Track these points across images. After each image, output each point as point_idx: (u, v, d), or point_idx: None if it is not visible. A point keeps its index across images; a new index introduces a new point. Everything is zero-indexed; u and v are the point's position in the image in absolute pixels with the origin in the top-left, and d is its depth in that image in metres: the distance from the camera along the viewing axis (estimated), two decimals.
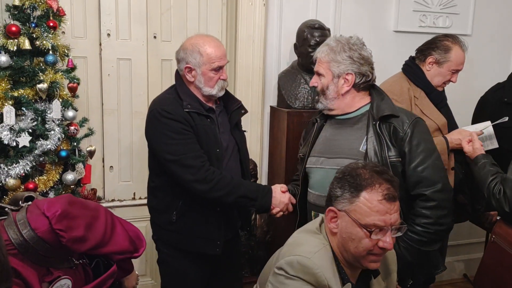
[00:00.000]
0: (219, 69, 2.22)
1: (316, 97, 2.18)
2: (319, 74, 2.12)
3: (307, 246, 1.53)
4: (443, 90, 2.75)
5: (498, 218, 2.47)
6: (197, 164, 2.13)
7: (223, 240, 2.29)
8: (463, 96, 3.53)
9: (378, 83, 2.78)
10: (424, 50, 2.67)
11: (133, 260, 1.73)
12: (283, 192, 2.24)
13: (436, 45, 2.64)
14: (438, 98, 2.68)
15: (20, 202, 1.41)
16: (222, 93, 2.28)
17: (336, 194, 1.54)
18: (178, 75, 2.31)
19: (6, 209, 1.41)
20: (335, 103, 2.10)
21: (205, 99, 2.28)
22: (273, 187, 2.26)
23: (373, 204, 1.47)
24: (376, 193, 1.47)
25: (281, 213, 2.24)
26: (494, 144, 2.74)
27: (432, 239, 1.96)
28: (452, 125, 2.73)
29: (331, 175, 1.73)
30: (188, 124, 2.17)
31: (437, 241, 1.99)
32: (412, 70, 2.69)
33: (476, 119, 3.01)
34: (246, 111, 2.43)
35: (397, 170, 1.97)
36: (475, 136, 2.49)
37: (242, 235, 2.74)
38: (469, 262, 3.85)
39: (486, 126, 2.68)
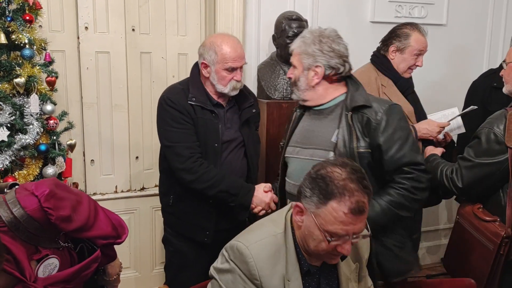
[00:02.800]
0: (232, 70, 2.29)
1: (291, 88, 2.22)
2: (294, 66, 2.16)
3: (253, 235, 1.60)
4: (411, 78, 2.83)
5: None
6: (186, 154, 2.25)
7: (213, 229, 2.39)
8: (435, 84, 3.62)
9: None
10: (386, 40, 2.78)
11: (117, 253, 1.76)
12: (266, 192, 2.33)
13: (395, 33, 2.73)
14: (405, 86, 2.77)
15: (6, 190, 1.43)
16: (234, 92, 2.35)
17: (305, 193, 1.52)
18: (195, 67, 2.41)
19: None
20: (307, 94, 2.12)
21: (216, 95, 2.36)
22: (256, 186, 2.36)
23: (338, 214, 1.45)
24: (344, 205, 1.45)
25: (263, 211, 2.33)
26: (462, 130, 2.85)
27: (402, 204, 1.98)
28: (419, 112, 2.81)
29: (306, 165, 1.79)
30: (189, 116, 2.28)
31: (406, 208, 2.00)
32: (379, 60, 2.79)
33: (467, 104, 3.11)
34: (257, 111, 2.52)
35: (363, 161, 1.99)
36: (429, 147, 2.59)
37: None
38: (445, 246, 3.95)
39: (453, 113, 2.77)
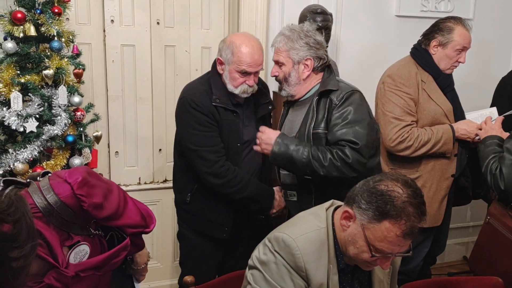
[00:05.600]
0: (245, 73, 2.26)
1: (279, 85, 2.29)
2: (279, 63, 2.24)
3: (297, 228, 1.60)
4: (451, 75, 2.74)
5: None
6: (213, 158, 2.25)
7: (231, 226, 2.41)
8: (461, 79, 3.55)
9: (381, 67, 2.84)
10: (428, 34, 2.67)
11: None
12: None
13: (438, 27, 2.63)
14: (445, 83, 2.68)
15: (38, 178, 1.46)
16: (244, 95, 2.33)
17: (360, 204, 1.49)
18: (215, 64, 2.38)
19: (28, 180, 1.47)
20: (297, 88, 2.23)
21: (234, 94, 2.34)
22: (274, 189, 2.41)
23: (390, 235, 1.44)
24: (398, 228, 1.43)
25: (276, 214, 2.45)
26: None
27: (319, 158, 2.04)
28: (458, 110, 2.73)
29: None
30: (214, 118, 2.27)
31: (318, 164, 2.04)
32: (420, 54, 2.68)
33: (496, 100, 3.04)
34: (273, 108, 2.52)
35: (321, 142, 2.10)
36: (488, 121, 2.52)
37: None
38: (469, 244, 3.90)
39: (492, 114, 2.69)
